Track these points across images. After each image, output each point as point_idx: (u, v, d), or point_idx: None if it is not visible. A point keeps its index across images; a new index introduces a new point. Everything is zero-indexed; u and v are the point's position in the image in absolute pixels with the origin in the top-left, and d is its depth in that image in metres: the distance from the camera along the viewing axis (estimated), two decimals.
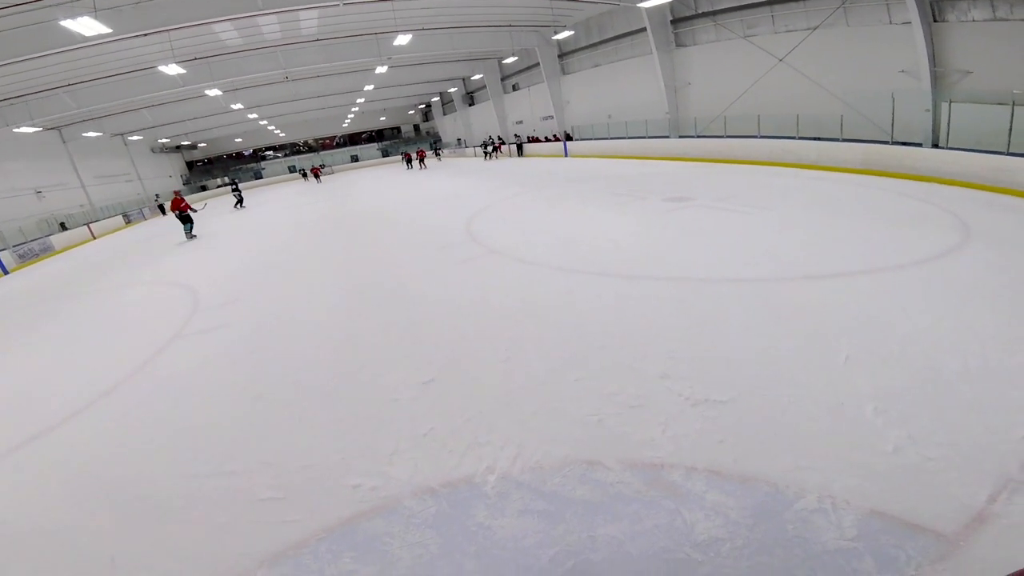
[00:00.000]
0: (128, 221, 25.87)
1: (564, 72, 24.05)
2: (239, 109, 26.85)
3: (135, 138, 29.90)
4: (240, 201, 23.44)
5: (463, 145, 37.17)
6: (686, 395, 3.33)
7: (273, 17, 14.48)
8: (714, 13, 15.45)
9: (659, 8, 15.95)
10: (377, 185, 23.84)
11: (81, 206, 24.48)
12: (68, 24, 9.43)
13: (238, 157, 46.26)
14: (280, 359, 4.94)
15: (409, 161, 31.89)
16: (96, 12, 9.73)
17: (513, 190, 14.70)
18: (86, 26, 9.63)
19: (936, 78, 10.37)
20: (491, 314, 5.28)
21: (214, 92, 19.23)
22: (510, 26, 20.56)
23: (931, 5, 10.12)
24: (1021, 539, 2.07)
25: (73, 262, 15.44)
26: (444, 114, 42.59)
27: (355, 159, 46.01)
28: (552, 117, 25.49)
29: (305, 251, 10.43)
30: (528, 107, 27.92)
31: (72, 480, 3.44)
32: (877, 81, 11.22)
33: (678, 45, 17.24)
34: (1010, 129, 8.08)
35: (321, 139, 48.22)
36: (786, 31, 13.64)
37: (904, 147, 10.13)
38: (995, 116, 8.39)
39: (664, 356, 3.87)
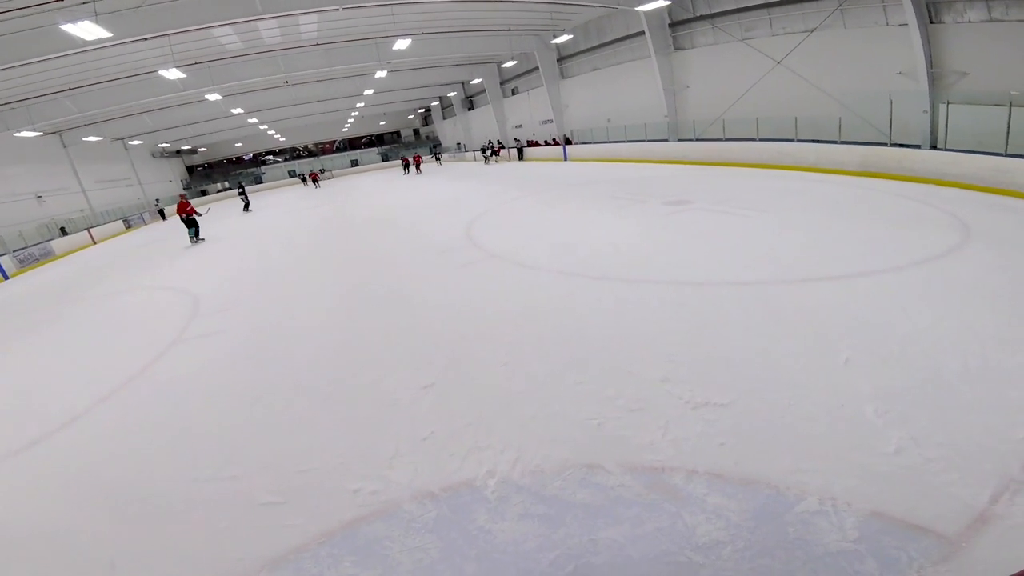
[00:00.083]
0: (128, 226, 25.88)
1: (563, 76, 24.12)
2: (239, 113, 26.91)
3: (135, 142, 29.97)
4: (247, 205, 23.58)
5: (463, 149, 37.25)
6: (686, 398, 3.32)
7: (273, 21, 14.52)
8: (712, 16, 15.51)
9: (657, 11, 16.00)
10: (377, 190, 23.88)
11: (81, 211, 24.49)
12: (69, 28, 9.48)
13: (238, 162, 46.32)
14: (280, 363, 4.94)
15: (407, 166, 31.94)
16: (97, 16, 9.78)
17: (513, 194, 14.72)
18: (87, 30, 9.68)
19: (933, 79, 10.40)
20: (491, 318, 5.27)
21: (214, 96, 19.29)
22: (509, 30, 20.64)
23: (927, 6, 10.16)
24: (1023, 540, 2.06)
25: (74, 267, 15.44)
26: (444, 118, 42.69)
27: (355, 163, 46.09)
28: (551, 121, 25.56)
29: (305, 255, 10.43)
30: (527, 111, 27.99)
31: (72, 483, 3.44)
32: (875, 83, 11.25)
33: (676, 48, 17.29)
34: (1008, 130, 8.10)
35: (321, 143, 48.30)
36: (784, 33, 13.69)
37: (902, 149, 10.15)
38: (993, 117, 8.42)
39: (664, 359, 3.87)
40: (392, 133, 49.78)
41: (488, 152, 29.40)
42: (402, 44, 16.31)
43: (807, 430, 2.87)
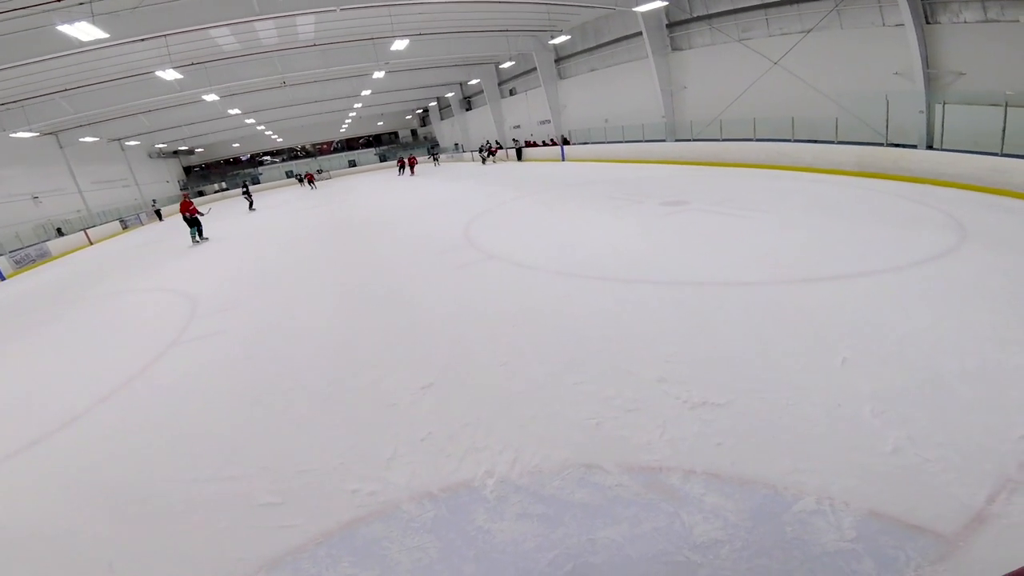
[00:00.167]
0: (125, 227, 25.80)
1: (561, 76, 24.14)
2: (236, 114, 26.85)
3: (132, 143, 29.88)
4: (251, 204, 23.68)
5: (460, 150, 37.23)
6: (684, 398, 3.33)
7: (270, 22, 14.50)
8: (709, 17, 15.54)
9: (655, 12, 16.02)
10: (375, 190, 23.86)
11: (78, 211, 24.41)
12: (65, 29, 9.45)
13: (235, 162, 46.22)
14: (279, 363, 4.93)
15: (402, 167, 31.77)
16: (93, 17, 9.76)
17: (510, 194, 14.72)
18: (83, 31, 9.65)
19: (929, 80, 10.44)
20: (489, 318, 5.27)
21: (211, 97, 19.24)
22: (507, 31, 20.65)
23: (923, 7, 10.20)
24: (1020, 539, 2.08)
25: (70, 268, 15.39)
26: (442, 119, 42.67)
27: (352, 164, 46.00)
28: (549, 121, 25.57)
29: (304, 256, 10.41)
30: (525, 111, 28.00)
31: (71, 485, 3.44)
32: (871, 83, 11.29)
33: (674, 49, 17.32)
34: (1003, 130, 8.14)
35: (319, 144, 48.21)
36: (781, 34, 13.73)
37: (899, 149, 10.19)
38: (989, 117, 8.46)
39: (662, 359, 3.87)
40: (390, 134, 49.70)
41: (484, 153, 29.38)
42: (400, 45, 16.29)
43: (805, 430, 2.88)
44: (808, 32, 12.90)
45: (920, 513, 2.23)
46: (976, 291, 4.42)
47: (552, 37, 19.95)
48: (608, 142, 20.63)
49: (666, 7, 15.53)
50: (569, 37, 19.98)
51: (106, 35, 10.25)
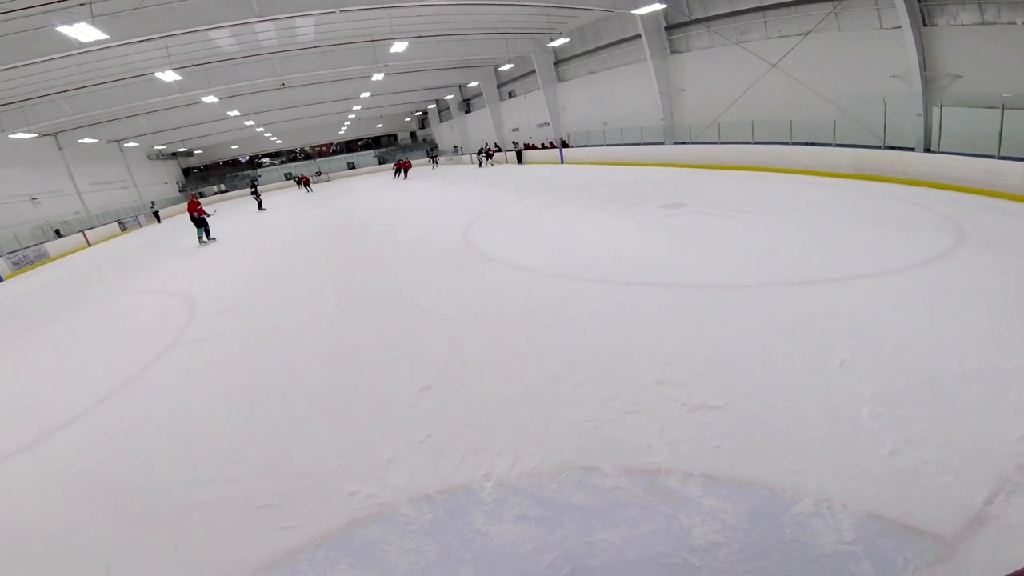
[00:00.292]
0: (123, 228, 25.77)
1: (560, 79, 24.19)
2: (235, 116, 26.86)
3: (131, 145, 29.85)
4: (260, 204, 23.79)
5: (459, 153, 37.26)
6: (682, 400, 3.33)
7: (270, 24, 14.53)
8: (708, 19, 15.59)
9: (653, 15, 16.07)
10: (374, 193, 23.86)
11: (76, 213, 24.38)
12: (65, 30, 9.46)
13: (235, 164, 46.22)
14: (278, 364, 4.92)
15: (398, 171, 31.60)
16: (93, 18, 9.77)
17: (510, 197, 14.73)
18: (83, 32, 9.66)
19: (927, 82, 10.47)
20: (488, 321, 5.27)
21: (210, 99, 19.24)
22: (506, 34, 20.70)
23: (920, 9, 10.23)
24: (1019, 540, 2.08)
25: (69, 269, 15.36)
26: (440, 121, 42.73)
27: (351, 166, 46.05)
28: (548, 124, 25.60)
29: (303, 257, 10.41)
30: (524, 114, 28.03)
31: (70, 485, 3.43)
32: (869, 86, 11.33)
33: (672, 51, 17.37)
34: (1000, 132, 8.16)
35: (317, 146, 48.24)
36: (779, 36, 13.77)
37: (896, 151, 10.21)
38: (985, 120, 8.48)
39: (661, 362, 3.87)
40: (389, 136, 49.76)
41: (482, 156, 29.39)
42: (399, 47, 16.32)
43: (803, 432, 2.88)
44: (806, 35, 12.94)
45: (919, 515, 2.23)
46: (974, 293, 4.42)
47: (551, 40, 20.00)
48: (607, 145, 20.66)
49: (665, 10, 15.57)
50: (568, 40, 20.03)
51: (106, 36, 10.26)
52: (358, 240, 11.44)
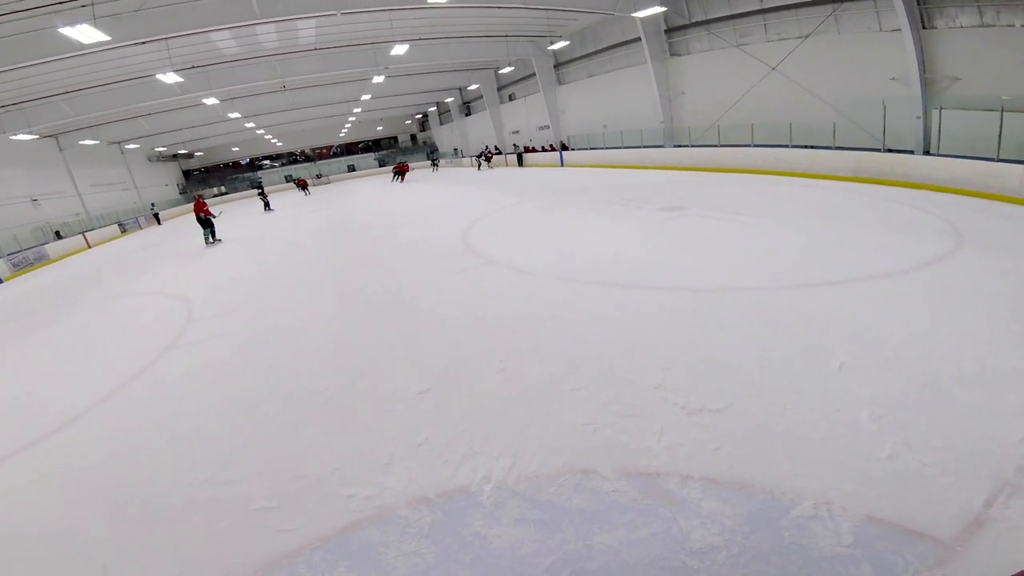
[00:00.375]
0: (123, 230, 25.79)
1: (560, 82, 24.22)
2: (236, 118, 26.89)
3: (132, 146, 29.89)
4: (267, 204, 23.78)
5: (460, 155, 37.29)
6: (682, 403, 3.32)
7: (271, 26, 14.55)
8: (707, 22, 15.62)
9: (653, 18, 16.10)
10: (374, 195, 23.89)
11: (77, 214, 24.40)
12: (67, 32, 9.47)
13: (235, 166, 46.26)
14: (277, 366, 4.92)
15: (396, 174, 31.49)
16: (95, 20, 9.78)
17: (510, 200, 14.75)
18: (85, 34, 9.67)
19: (926, 85, 10.48)
20: (487, 323, 5.27)
21: (211, 101, 19.27)
22: (506, 36, 20.73)
23: (920, 12, 10.25)
24: (1018, 543, 2.07)
25: (69, 271, 15.36)
26: (441, 124, 42.78)
27: (352, 168, 46.10)
28: (548, 127, 25.64)
29: (303, 260, 10.41)
30: (524, 117, 28.07)
31: (69, 485, 3.44)
32: (868, 88, 11.35)
33: (672, 54, 17.40)
34: (999, 135, 8.17)
35: (318, 148, 48.28)
36: (779, 39, 13.80)
37: (896, 154, 10.23)
38: (985, 122, 8.49)
39: (660, 365, 3.87)
40: (390, 138, 49.80)
41: (481, 158, 29.41)
42: (400, 50, 16.34)
43: (803, 435, 2.87)
44: (806, 37, 12.97)
45: (918, 518, 2.23)
46: (973, 296, 4.42)
47: (551, 43, 20.04)
48: (607, 148, 20.68)
49: (664, 13, 15.61)
50: (568, 43, 20.08)
51: (107, 38, 10.28)
52: (358, 242, 11.45)
